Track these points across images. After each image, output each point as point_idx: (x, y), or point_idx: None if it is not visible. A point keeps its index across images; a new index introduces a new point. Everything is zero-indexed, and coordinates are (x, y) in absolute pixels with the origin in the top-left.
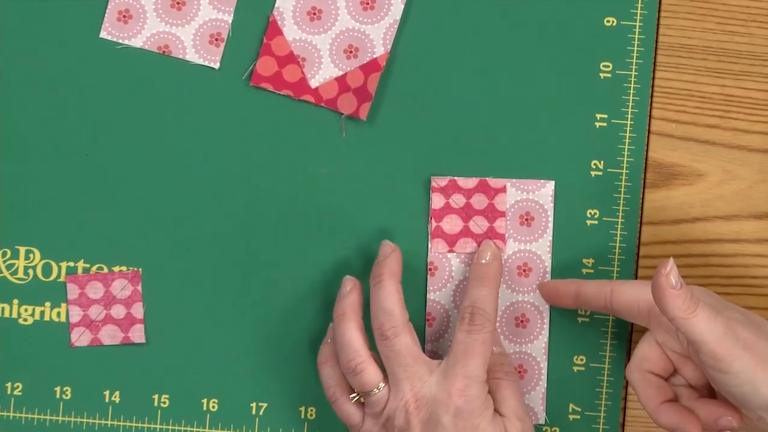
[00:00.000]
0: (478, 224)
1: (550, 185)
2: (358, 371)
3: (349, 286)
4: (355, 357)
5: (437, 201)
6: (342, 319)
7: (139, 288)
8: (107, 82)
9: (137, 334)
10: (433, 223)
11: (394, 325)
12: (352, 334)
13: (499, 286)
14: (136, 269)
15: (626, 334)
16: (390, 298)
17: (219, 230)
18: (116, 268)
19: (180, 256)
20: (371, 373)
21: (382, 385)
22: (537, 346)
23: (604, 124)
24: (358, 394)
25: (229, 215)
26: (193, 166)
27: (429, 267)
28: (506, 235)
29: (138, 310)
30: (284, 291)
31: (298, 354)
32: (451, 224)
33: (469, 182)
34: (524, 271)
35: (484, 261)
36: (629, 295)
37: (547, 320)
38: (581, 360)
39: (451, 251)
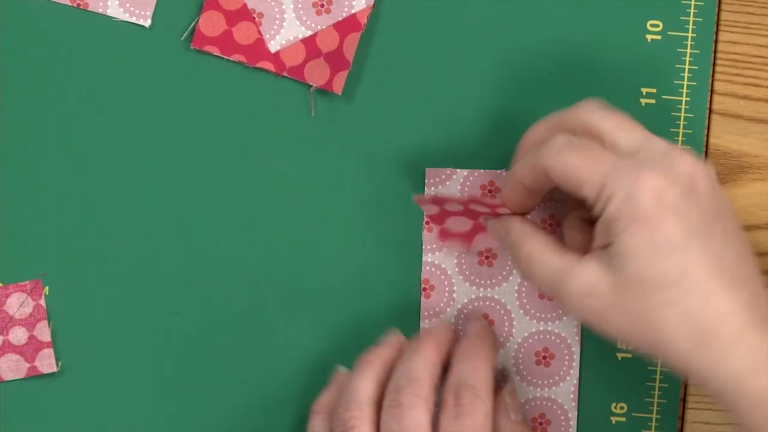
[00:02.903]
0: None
1: None
2: (348, 427)
3: (393, 340)
4: (354, 410)
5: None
6: (363, 365)
7: (43, 303)
8: (7, 46)
9: (46, 362)
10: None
11: (415, 394)
12: (364, 383)
13: (494, 356)
14: (36, 279)
15: (680, 376)
16: (424, 365)
17: (147, 234)
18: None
19: (94, 265)
20: None
21: None
22: (564, 389)
23: (652, 101)
24: None
25: (157, 216)
26: (114, 153)
27: (423, 287)
28: None
29: (44, 331)
30: (233, 304)
31: (249, 379)
32: (455, 223)
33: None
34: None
35: (471, 335)
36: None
37: (577, 356)
38: (621, 408)
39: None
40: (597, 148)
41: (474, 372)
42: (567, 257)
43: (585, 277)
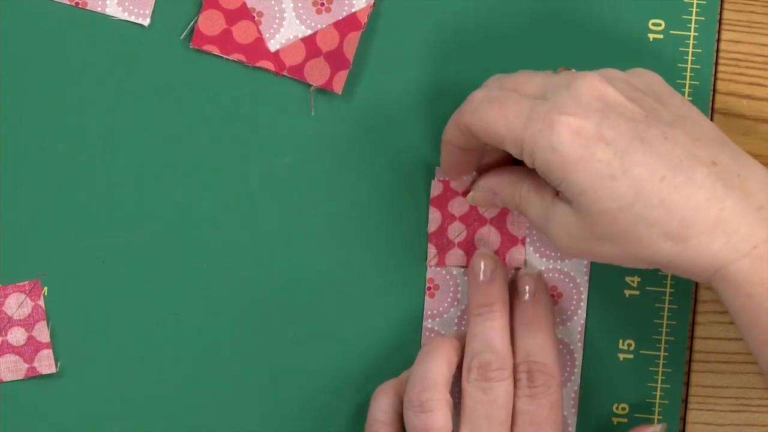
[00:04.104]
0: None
1: None
2: (427, 408)
3: (454, 334)
4: (430, 389)
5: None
6: (434, 347)
7: (41, 303)
8: (7, 45)
9: (45, 363)
10: (435, 227)
11: (502, 368)
12: (438, 362)
13: (554, 320)
14: (35, 279)
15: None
16: (501, 334)
17: (146, 235)
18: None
19: (93, 266)
20: (442, 417)
21: None
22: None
23: None
24: None
25: (156, 216)
26: (113, 153)
27: (428, 286)
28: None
29: (42, 332)
30: (233, 304)
31: (249, 380)
32: (460, 229)
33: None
34: None
35: (527, 296)
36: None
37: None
38: (623, 409)
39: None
40: (510, 97)
41: (542, 348)
42: (545, 199)
43: (558, 219)
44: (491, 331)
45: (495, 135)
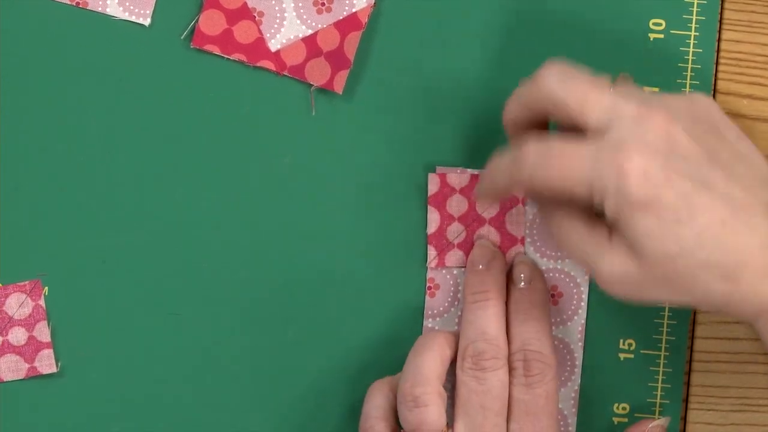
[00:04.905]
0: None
1: None
2: (420, 403)
3: (447, 330)
4: (423, 384)
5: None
6: (426, 342)
7: (42, 303)
8: (7, 45)
9: (46, 363)
10: (434, 228)
11: (496, 357)
12: (431, 357)
13: (549, 308)
14: (35, 279)
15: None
16: (496, 322)
17: (147, 235)
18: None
19: (93, 266)
20: (435, 412)
21: None
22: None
23: None
24: None
25: (157, 216)
26: (114, 153)
27: (428, 285)
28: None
29: (43, 332)
30: (234, 304)
31: (249, 380)
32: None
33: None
34: None
35: (523, 284)
36: None
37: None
38: (623, 409)
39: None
40: (567, 148)
41: (538, 336)
42: (596, 237)
43: (615, 265)
44: (485, 319)
45: (563, 188)
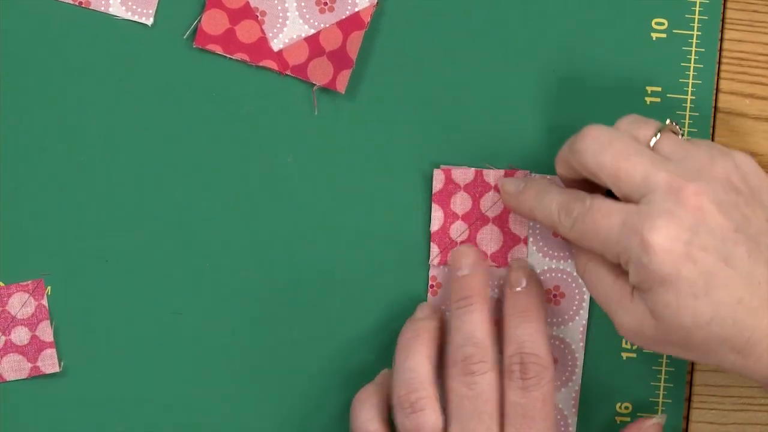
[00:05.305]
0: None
1: None
2: (417, 408)
3: (427, 311)
4: (418, 389)
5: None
6: (411, 342)
7: (45, 303)
8: (9, 45)
9: (49, 362)
10: (437, 226)
11: (484, 360)
12: (420, 361)
13: (546, 310)
14: (38, 279)
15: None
16: (482, 326)
17: (149, 234)
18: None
19: (96, 265)
20: (432, 415)
21: None
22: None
23: (658, 100)
24: None
25: (159, 216)
26: (116, 153)
27: (431, 284)
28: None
29: (46, 331)
30: (236, 303)
31: (252, 379)
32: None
33: (487, 175)
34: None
35: (519, 288)
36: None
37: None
38: (626, 408)
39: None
40: (605, 208)
41: (534, 338)
42: (619, 289)
43: (634, 321)
44: (471, 323)
45: (591, 247)
